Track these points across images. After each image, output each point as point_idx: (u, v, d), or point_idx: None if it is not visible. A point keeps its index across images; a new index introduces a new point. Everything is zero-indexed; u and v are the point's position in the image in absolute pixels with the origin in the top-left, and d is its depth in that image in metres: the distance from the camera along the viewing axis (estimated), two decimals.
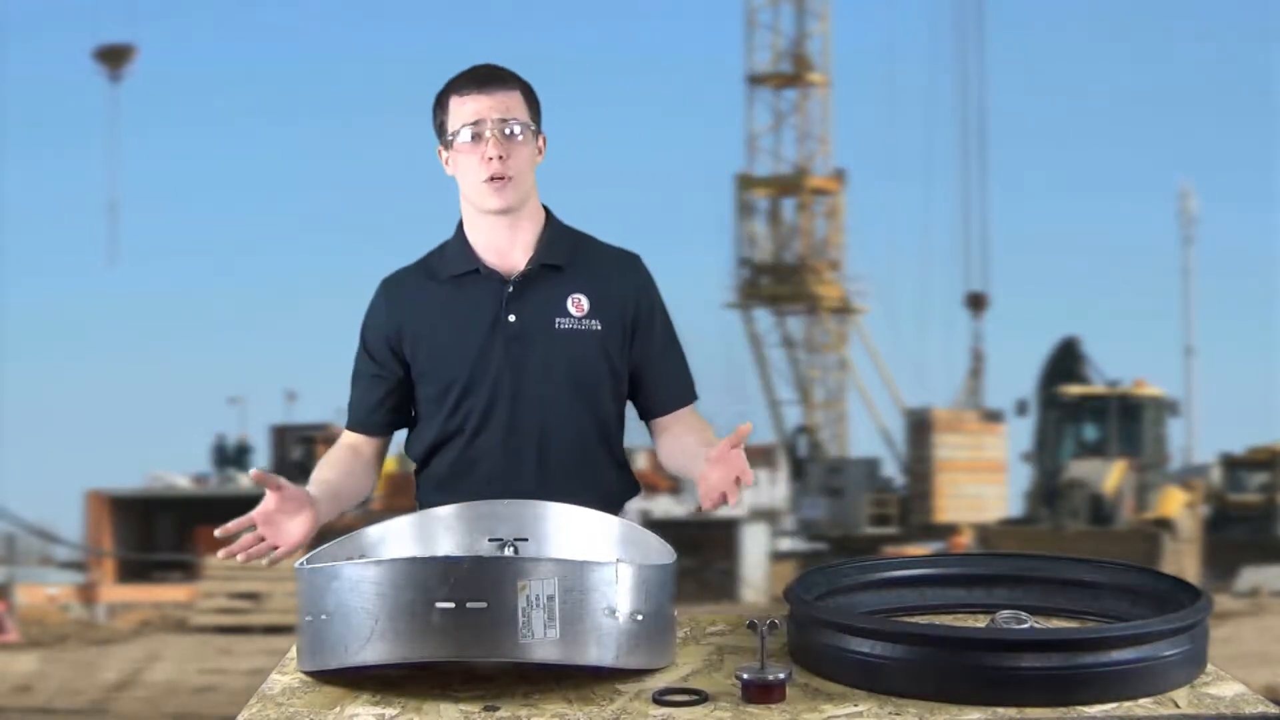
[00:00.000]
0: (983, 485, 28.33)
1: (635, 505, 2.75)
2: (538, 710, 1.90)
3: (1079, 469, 22.89)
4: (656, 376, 2.68)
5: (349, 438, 2.72)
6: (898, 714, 1.85)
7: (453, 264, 2.62)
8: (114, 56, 31.56)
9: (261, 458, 28.24)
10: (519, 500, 2.48)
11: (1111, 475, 22.36)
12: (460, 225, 2.65)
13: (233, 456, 27.41)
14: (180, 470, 25.39)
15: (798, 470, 28.15)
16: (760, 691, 1.91)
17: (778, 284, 36.67)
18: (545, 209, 2.66)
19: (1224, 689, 1.94)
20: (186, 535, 21.61)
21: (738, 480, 2.31)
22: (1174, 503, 22.04)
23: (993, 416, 30.18)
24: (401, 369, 2.65)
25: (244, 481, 25.63)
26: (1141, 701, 1.87)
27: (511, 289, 2.58)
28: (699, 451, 2.48)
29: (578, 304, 2.60)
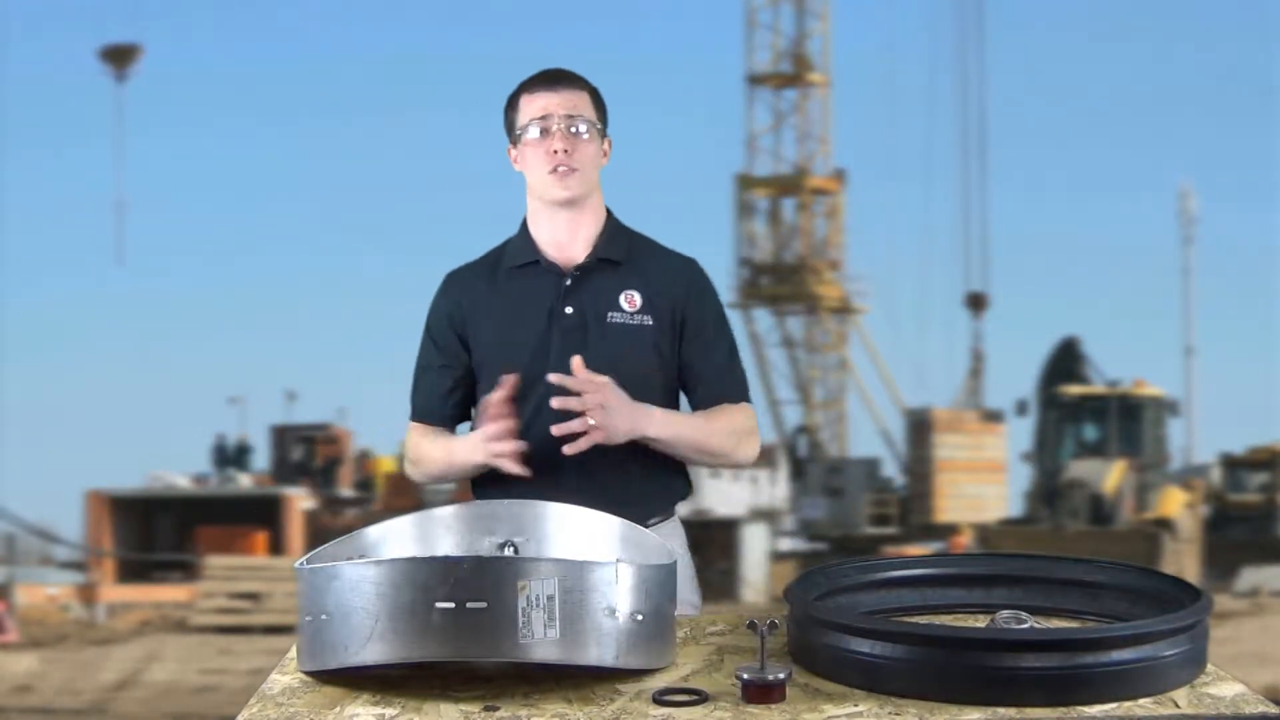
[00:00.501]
0: (983, 485, 28.35)
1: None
2: (538, 710, 1.90)
3: (1079, 469, 22.90)
4: (703, 377, 2.72)
5: (420, 428, 2.77)
6: (898, 714, 1.85)
7: (515, 256, 2.72)
8: (119, 56, 31.57)
9: (261, 458, 28.28)
10: (519, 500, 2.49)
11: (1111, 475, 22.37)
12: (524, 221, 2.74)
13: (233, 456, 27.43)
14: (180, 470, 25.42)
15: (798, 470, 28.17)
16: (760, 691, 1.90)
17: (778, 284, 36.70)
18: (607, 209, 2.74)
19: (1224, 689, 1.94)
20: (186, 535, 21.63)
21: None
22: (1174, 503, 22.06)
23: (993, 416, 30.21)
24: (468, 359, 2.72)
25: (244, 481, 25.68)
26: (1141, 701, 1.87)
27: (569, 282, 2.67)
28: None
29: (630, 300, 2.68)
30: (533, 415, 2.64)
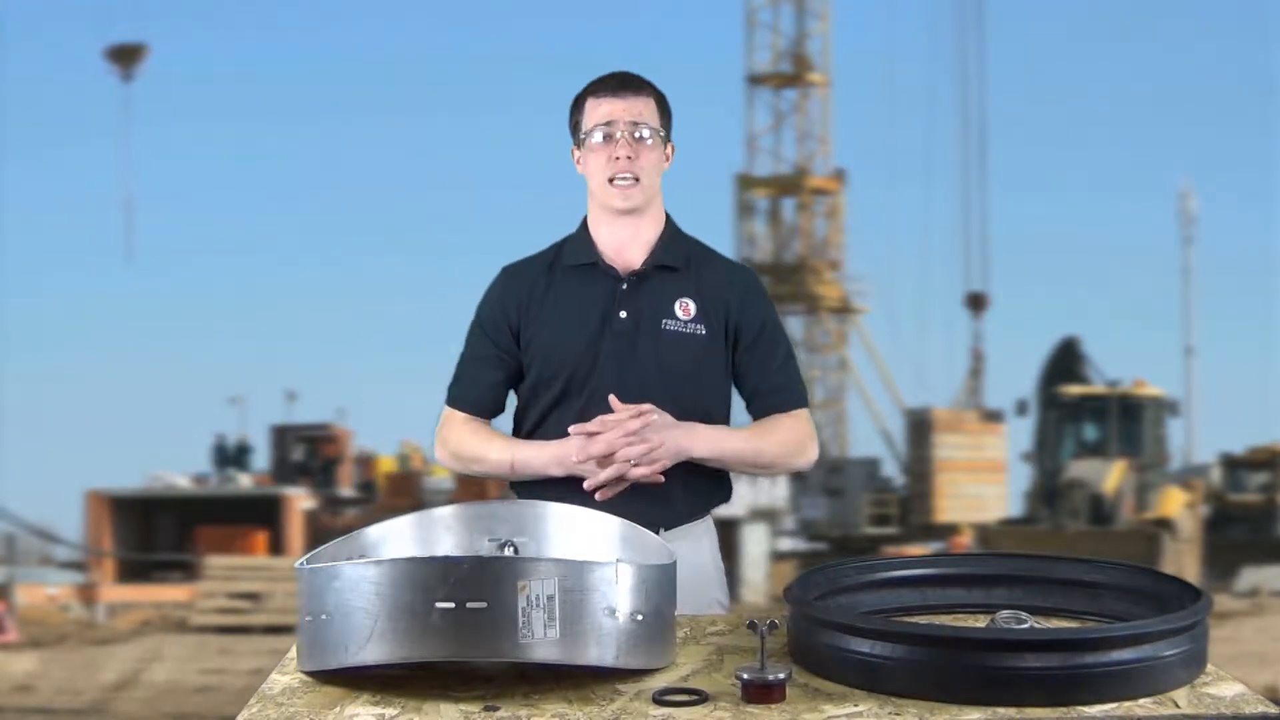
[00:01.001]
0: (983, 485, 28.34)
1: None
2: (538, 710, 1.89)
3: (1079, 469, 22.89)
4: (757, 386, 2.74)
5: (461, 420, 2.77)
6: (898, 714, 1.85)
7: (573, 255, 2.73)
8: (125, 56, 31.55)
9: (261, 458, 28.27)
10: (519, 500, 2.49)
11: (1111, 475, 22.36)
12: (584, 221, 2.76)
13: (233, 456, 27.42)
14: (180, 470, 25.41)
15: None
16: (760, 691, 1.90)
17: (778, 284, 36.64)
18: (667, 215, 2.76)
19: (1224, 689, 1.94)
20: (186, 535, 21.63)
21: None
22: (1174, 503, 22.05)
23: (993, 416, 30.20)
24: (517, 354, 2.73)
25: (244, 481, 25.68)
26: (1141, 701, 1.87)
27: (625, 286, 2.68)
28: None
29: (685, 308, 2.69)
30: (576, 418, 2.65)
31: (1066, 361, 25.16)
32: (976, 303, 36.27)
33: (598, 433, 2.57)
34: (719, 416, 2.71)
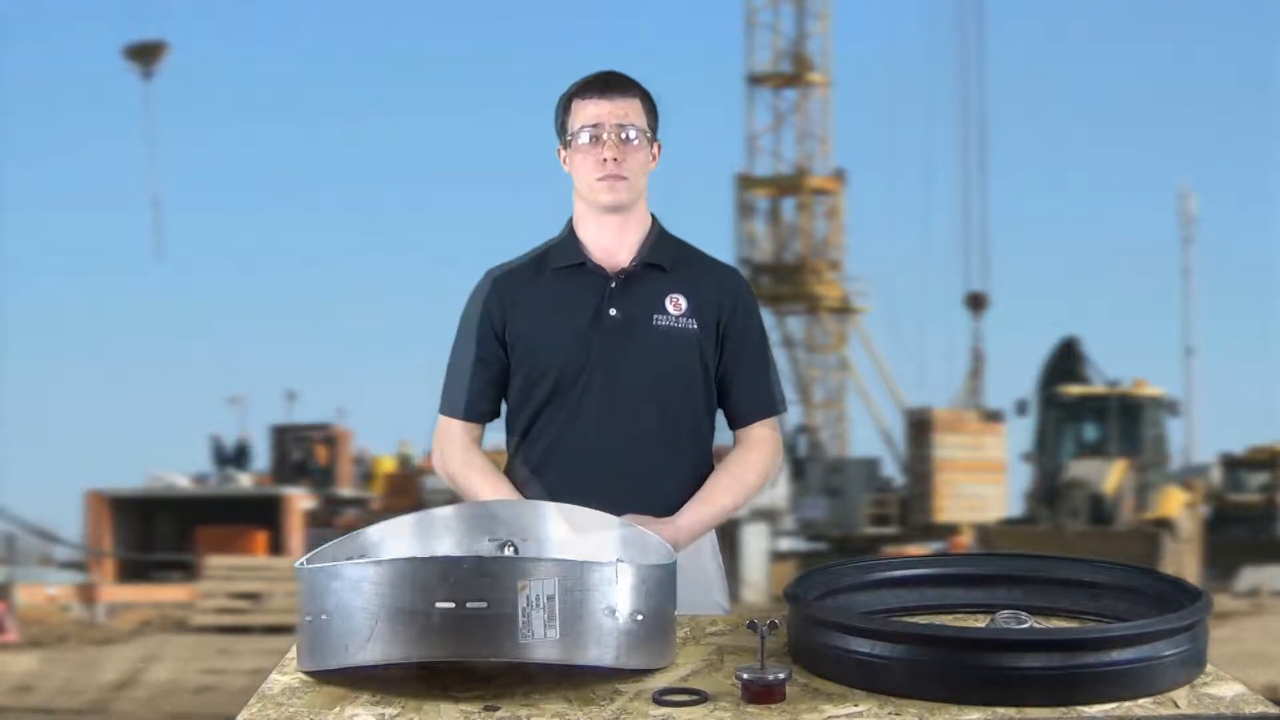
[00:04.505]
0: (983, 485, 28.31)
1: None
2: (538, 710, 1.90)
3: (1079, 469, 22.88)
4: (735, 389, 2.74)
5: (458, 430, 2.76)
6: (898, 714, 1.85)
7: (560, 257, 2.73)
8: (145, 54, 31.50)
9: (261, 458, 28.27)
10: (519, 501, 2.50)
11: (1111, 475, 22.35)
12: (570, 222, 2.76)
13: (232, 456, 27.42)
14: (180, 470, 25.40)
15: (798, 470, 28.13)
16: (760, 692, 1.91)
17: (778, 284, 36.64)
18: (652, 216, 2.76)
19: (1224, 689, 1.94)
20: (186, 535, 21.61)
21: None
22: (1174, 503, 22.04)
23: (993, 416, 30.16)
24: (505, 357, 2.73)
25: (244, 481, 25.68)
26: (1141, 702, 1.87)
27: (615, 285, 2.68)
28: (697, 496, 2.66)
29: (676, 303, 2.69)
30: (570, 415, 2.66)
31: (1066, 361, 25.15)
32: (976, 303, 36.23)
33: None
34: (708, 411, 2.72)
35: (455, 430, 2.76)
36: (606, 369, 2.65)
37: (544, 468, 2.68)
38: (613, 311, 2.67)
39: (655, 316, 2.68)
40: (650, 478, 2.65)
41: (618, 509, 2.41)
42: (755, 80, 37.52)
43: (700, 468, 2.71)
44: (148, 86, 31.97)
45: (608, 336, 2.66)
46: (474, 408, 2.75)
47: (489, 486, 2.68)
